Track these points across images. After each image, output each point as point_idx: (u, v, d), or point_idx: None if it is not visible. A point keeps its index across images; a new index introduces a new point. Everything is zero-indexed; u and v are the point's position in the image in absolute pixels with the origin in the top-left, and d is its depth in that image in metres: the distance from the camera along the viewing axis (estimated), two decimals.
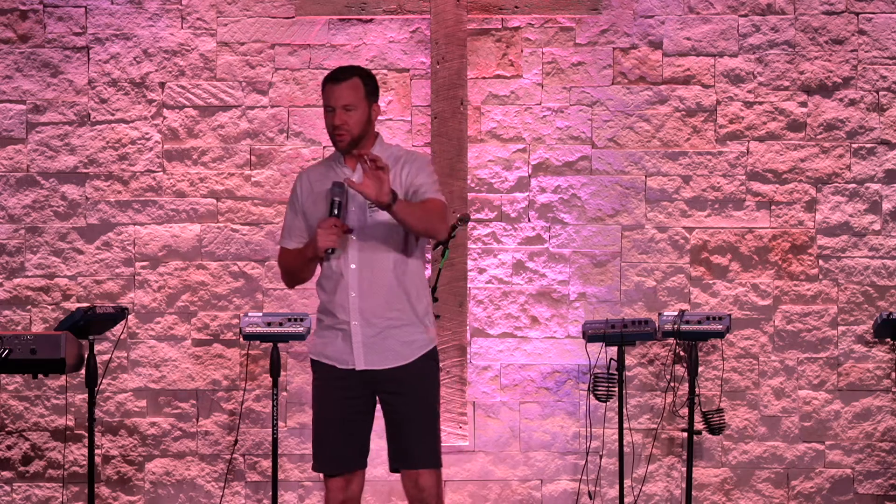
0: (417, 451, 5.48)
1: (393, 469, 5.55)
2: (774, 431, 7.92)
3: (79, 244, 7.93)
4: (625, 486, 7.60)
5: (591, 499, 7.83)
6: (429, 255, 7.63)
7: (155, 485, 7.90)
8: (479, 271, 7.91)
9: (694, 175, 7.96)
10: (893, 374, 7.92)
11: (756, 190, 7.95)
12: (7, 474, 7.90)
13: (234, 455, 7.87)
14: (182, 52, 7.94)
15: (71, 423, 7.89)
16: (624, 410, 7.57)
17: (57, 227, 7.93)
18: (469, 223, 7.65)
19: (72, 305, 7.84)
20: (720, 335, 7.48)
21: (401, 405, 5.48)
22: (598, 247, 7.94)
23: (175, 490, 7.91)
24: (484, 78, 7.94)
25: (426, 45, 7.88)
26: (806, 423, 7.92)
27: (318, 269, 5.60)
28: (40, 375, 7.15)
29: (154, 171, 7.95)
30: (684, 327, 7.40)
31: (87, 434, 7.41)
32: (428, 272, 7.58)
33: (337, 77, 5.49)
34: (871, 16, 7.96)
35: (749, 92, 7.96)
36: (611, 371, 7.50)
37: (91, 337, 7.12)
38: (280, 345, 7.48)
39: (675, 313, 7.44)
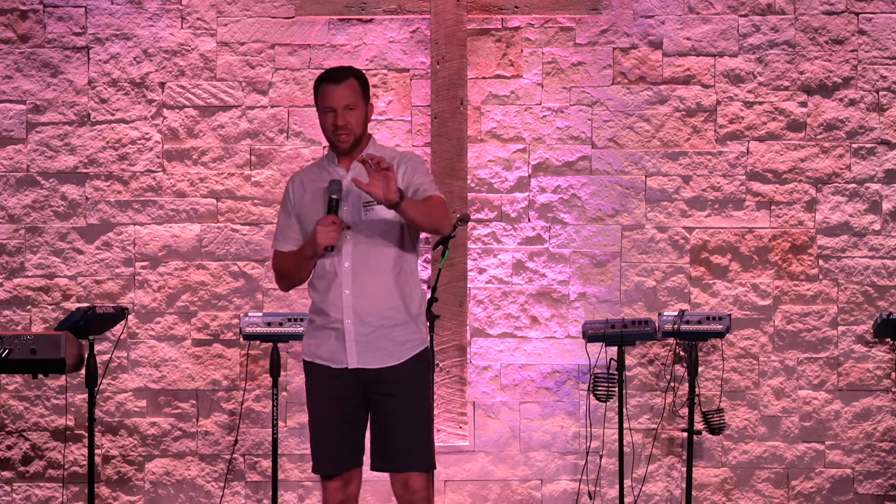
0: (409, 453, 5.48)
1: (374, 468, 5.54)
2: (774, 431, 7.92)
3: (79, 244, 7.93)
4: (625, 486, 7.61)
5: (591, 499, 7.83)
6: (428, 255, 7.63)
7: (155, 485, 7.91)
8: (479, 271, 7.92)
9: (694, 175, 7.96)
10: (893, 374, 7.92)
11: (756, 190, 7.95)
12: (7, 474, 7.90)
13: (234, 455, 7.88)
14: (182, 52, 7.94)
15: (71, 423, 7.89)
16: (624, 410, 7.57)
17: (57, 227, 7.93)
18: (469, 223, 7.65)
19: (72, 305, 7.84)
20: (720, 335, 7.48)
21: (392, 406, 5.48)
22: (598, 247, 7.94)
23: (175, 490, 7.91)
24: (484, 78, 7.94)
25: (426, 45, 7.89)
26: (806, 423, 7.92)
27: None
28: (40, 375, 7.15)
29: (154, 171, 7.95)
30: (684, 327, 7.40)
31: (87, 434, 7.41)
32: (428, 272, 7.59)
33: (335, 78, 5.49)
34: (871, 16, 7.96)
35: (749, 92, 7.96)
36: (611, 371, 7.50)
37: (91, 337, 7.12)
38: (280, 345, 7.49)
39: (675, 313, 7.44)
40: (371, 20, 7.92)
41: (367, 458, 5.58)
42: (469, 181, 7.85)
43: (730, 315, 7.51)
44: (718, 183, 7.96)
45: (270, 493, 7.54)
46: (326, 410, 5.52)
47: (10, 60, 7.93)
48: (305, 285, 5.63)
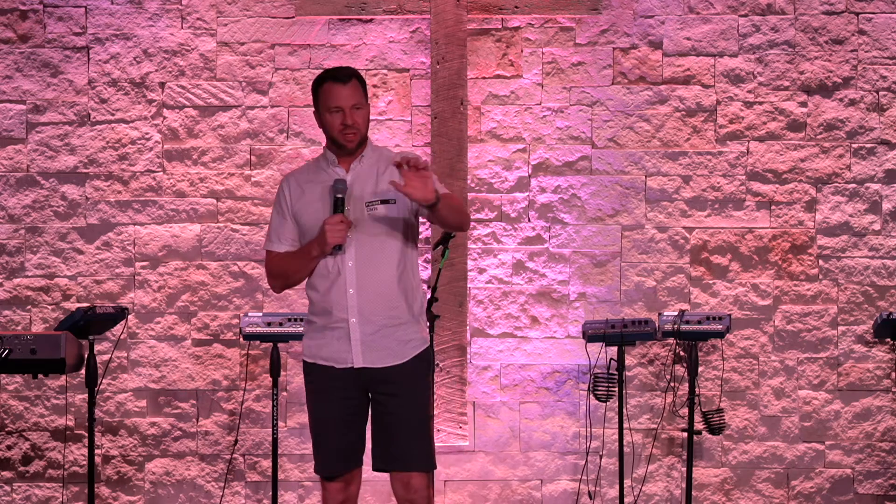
0: (410, 453, 5.48)
1: (376, 468, 5.54)
2: (774, 431, 7.92)
3: (79, 244, 7.93)
4: (625, 486, 7.61)
5: (591, 499, 7.83)
6: (428, 255, 7.63)
7: (155, 485, 7.91)
8: (479, 271, 7.91)
9: (694, 175, 7.96)
10: (893, 374, 7.92)
11: (756, 190, 7.95)
12: (7, 474, 7.90)
13: (234, 455, 7.88)
14: (182, 52, 7.94)
15: (71, 423, 7.89)
16: (624, 410, 7.57)
17: (57, 227, 7.93)
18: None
19: (72, 305, 7.84)
20: (720, 335, 7.48)
21: (395, 406, 5.48)
22: (598, 247, 7.94)
23: (175, 490, 7.91)
24: (484, 78, 7.94)
25: (426, 45, 7.89)
26: (806, 423, 7.92)
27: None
28: (40, 375, 7.15)
29: (154, 171, 7.95)
30: (684, 327, 7.40)
31: (87, 434, 7.41)
32: (428, 272, 7.59)
33: (341, 78, 5.49)
34: (871, 16, 7.96)
35: (749, 92, 7.96)
36: (611, 371, 7.50)
37: (91, 337, 7.12)
38: (280, 345, 7.49)
39: (675, 313, 7.44)
40: (371, 20, 7.92)
41: (367, 459, 5.58)
42: (469, 181, 7.85)
43: (730, 315, 7.51)
44: (718, 183, 7.96)
45: (270, 493, 7.54)
46: (329, 411, 5.51)
47: (10, 60, 7.93)
48: (302, 285, 5.63)
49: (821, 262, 7.94)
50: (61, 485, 7.87)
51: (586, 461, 7.82)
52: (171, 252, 7.93)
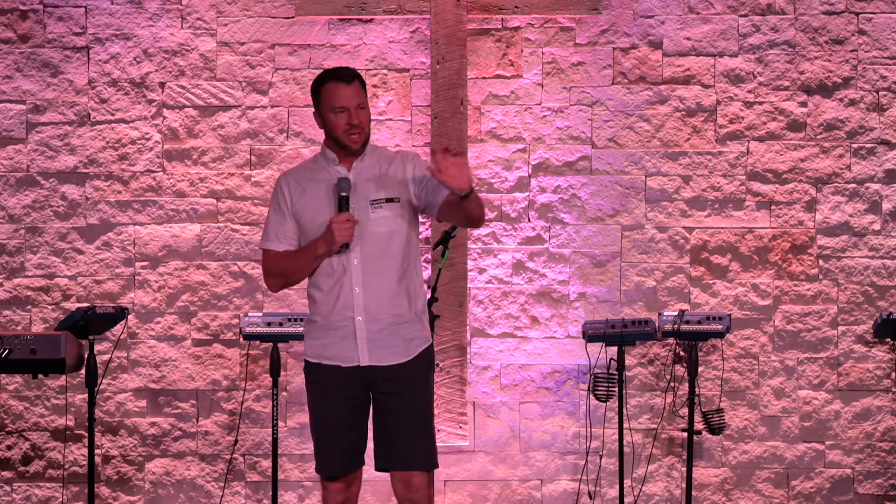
0: (412, 452, 5.47)
1: (379, 468, 5.54)
2: (774, 431, 7.92)
3: (79, 244, 7.93)
4: (625, 486, 7.61)
5: (591, 499, 7.83)
6: (429, 255, 7.63)
7: (155, 485, 7.91)
8: (479, 271, 7.91)
9: (694, 175, 7.96)
10: (893, 374, 7.92)
11: (756, 190, 7.95)
12: (7, 474, 7.90)
13: (234, 455, 7.88)
14: (182, 52, 7.94)
15: (71, 423, 7.89)
16: (624, 410, 7.57)
17: (57, 227, 7.93)
18: None
19: (72, 305, 7.84)
20: (720, 335, 7.48)
21: (398, 405, 5.47)
22: (598, 247, 7.94)
23: (175, 490, 7.91)
24: (484, 78, 7.94)
25: (426, 45, 7.89)
26: (806, 423, 7.92)
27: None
28: (40, 375, 7.15)
29: (154, 171, 7.95)
30: (684, 327, 7.40)
31: (87, 434, 7.41)
32: (428, 272, 7.59)
33: (345, 78, 5.48)
34: (871, 16, 7.96)
35: (749, 92, 7.96)
36: (611, 371, 7.50)
37: (91, 337, 7.12)
38: (280, 345, 7.48)
39: (675, 313, 7.44)
40: (371, 20, 7.92)
41: (369, 459, 5.58)
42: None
43: (730, 315, 7.51)
44: (718, 183, 7.96)
45: (270, 493, 7.54)
46: (333, 411, 5.50)
47: (10, 60, 7.93)
48: (301, 285, 5.63)
49: (821, 262, 7.94)
50: (61, 485, 7.87)
51: (586, 461, 7.82)
52: (171, 252, 7.93)
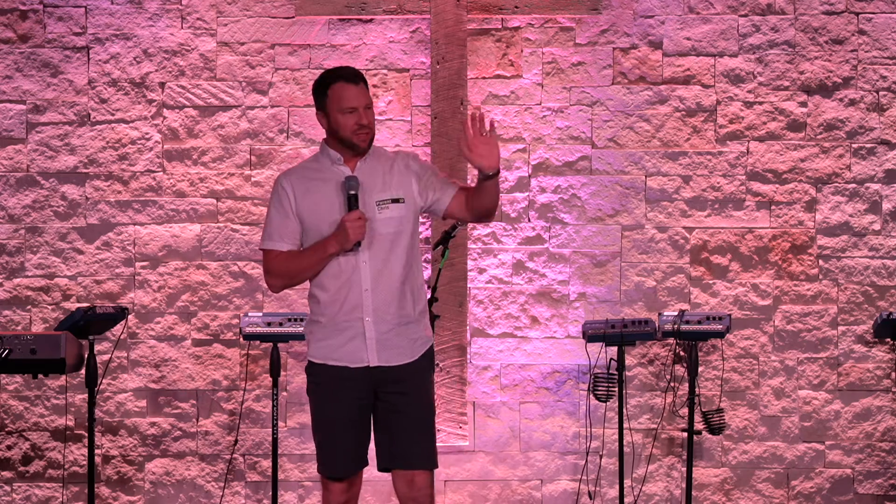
0: (416, 450, 5.47)
1: (381, 468, 5.54)
2: (774, 431, 7.92)
3: (79, 244, 7.93)
4: (625, 486, 7.61)
5: (591, 499, 7.83)
6: (429, 255, 7.63)
7: (155, 485, 7.91)
8: (479, 271, 7.91)
9: (694, 175, 7.96)
10: (893, 374, 7.92)
11: (756, 190, 7.95)
12: (7, 474, 7.90)
13: (234, 455, 7.88)
14: (182, 52, 7.94)
15: (71, 423, 7.89)
16: (624, 410, 7.57)
17: (57, 227, 7.93)
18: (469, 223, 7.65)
19: (72, 305, 7.84)
20: (720, 335, 7.48)
21: (404, 404, 5.47)
22: (598, 247, 7.94)
23: (175, 490, 7.91)
24: (484, 78, 7.94)
25: (426, 45, 7.88)
26: (806, 423, 7.92)
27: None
28: (40, 375, 7.15)
29: (154, 171, 7.95)
30: (684, 327, 7.40)
31: (87, 434, 7.41)
32: (428, 272, 7.59)
33: (352, 78, 5.48)
34: (871, 16, 7.96)
35: (749, 92, 7.96)
36: (611, 371, 7.50)
37: (91, 337, 7.12)
38: (280, 345, 7.48)
39: (675, 313, 7.44)
40: (371, 20, 7.92)
41: (371, 459, 5.57)
42: (469, 181, 7.85)
43: (730, 315, 7.51)
44: (718, 183, 7.96)
45: (270, 493, 7.54)
46: (339, 412, 5.47)
47: (10, 60, 7.93)
48: (303, 285, 5.62)
49: (821, 262, 7.94)
50: (61, 485, 7.87)
51: (586, 461, 7.82)
52: (171, 252, 7.93)
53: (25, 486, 7.90)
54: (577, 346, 7.83)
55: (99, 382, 7.20)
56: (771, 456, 7.92)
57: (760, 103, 7.96)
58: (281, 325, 7.34)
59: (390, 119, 7.91)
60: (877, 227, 7.94)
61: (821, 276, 7.94)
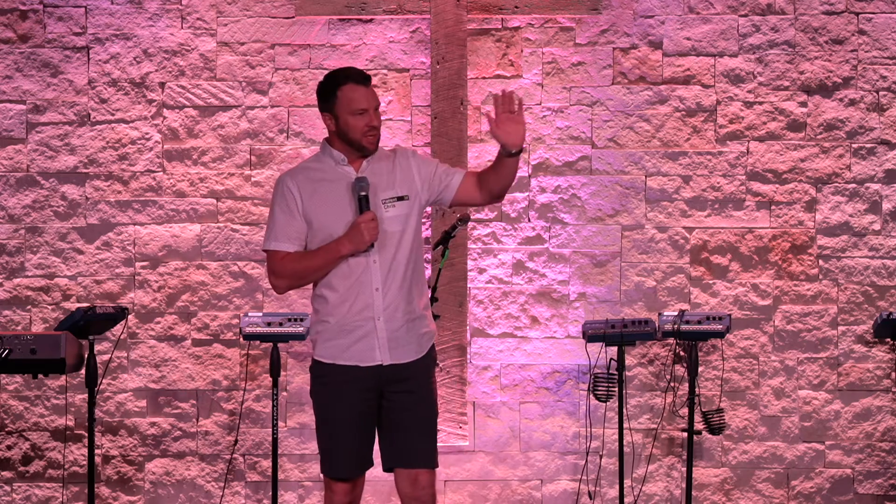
0: (421, 449, 5.47)
1: (387, 469, 5.53)
2: (774, 431, 7.92)
3: (79, 244, 7.93)
4: (625, 486, 7.61)
5: (591, 499, 7.83)
6: (429, 255, 7.63)
7: (155, 485, 7.91)
8: (479, 271, 7.91)
9: (694, 175, 7.96)
10: (893, 374, 7.92)
11: (756, 190, 7.95)
12: (7, 474, 7.90)
13: (234, 455, 7.88)
14: (182, 52, 7.94)
15: (71, 423, 7.89)
16: (624, 410, 7.57)
17: (57, 227, 7.93)
18: (469, 223, 7.65)
19: (72, 305, 7.84)
20: (720, 335, 7.48)
21: (411, 403, 5.46)
22: (598, 247, 7.94)
23: (175, 490, 7.91)
24: (484, 78, 7.94)
25: (426, 45, 7.89)
26: (806, 423, 7.92)
27: None
28: (40, 375, 7.15)
29: (154, 171, 7.95)
30: (684, 327, 7.40)
31: (87, 434, 7.41)
32: (428, 272, 7.59)
33: (363, 80, 5.49)
34: (871, 16, 7.96)
35: (749, 92, 7.96)
36: (611, 371, 7.50)
37: (91, 337, 7.12)
38: (280, 345, 7.48)
39: (675, 313, 7.44)
40: (371, 20, 7.92)
41: (376, 460, 5.56)
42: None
43: (730, 315, 7.51)
44: (718, 183, 7.96)
45: (270, 493, 7.54)
46: (348, 413, 5.46)
47: (10, 60, 7.93)
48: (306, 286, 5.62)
49: (821, 262, 7.94)
50: (61, 485, 7.87)
51: (586, 461, 7.82)
52: (171, 252, 7.93)
53: (25, 486, 7.90)
54: (577, 346, 7.83)
55: (99, 382, 7.19)
56: (771, 456, 7.92)
57: (760, 103, 7.96)
58: (281, 325, 7.34)
59: (390, 119, 7.91)
60: (877, 227, 7.94)
61: (821, 276, 7.94)
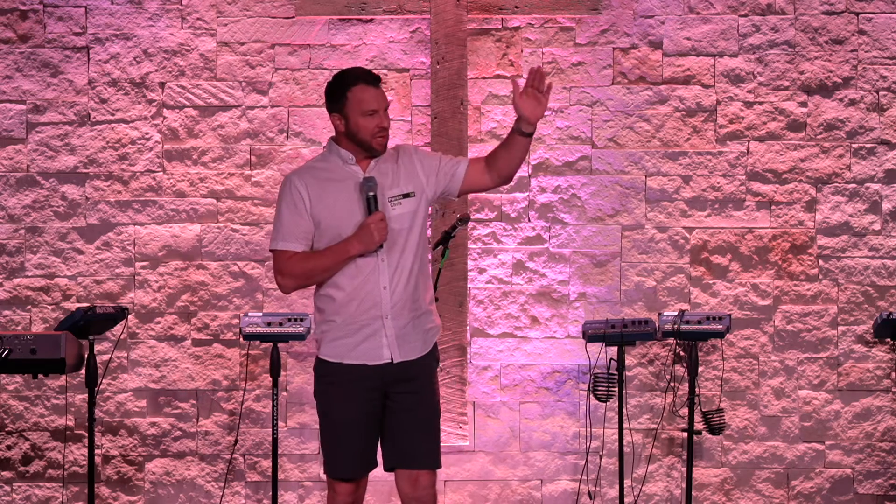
0: (422, 450, 5.47)
1: (389, 468, 5.53)
2: (774, 431, 7.92)
3: (79, 244, 7.93)
4: (625, 486, 7.61)
5: (591, 499, 7.83)
6: (429, 255, 7.63)
7: (155, 485, 7.91)
8: (479, 271, 7.92)
9: (694, 175, 7.96)
10: (893, 374, 7.92)
11: (756, 190, 7.95)
12: (7, 474, 7.90)
13: (234, 455, 7.88)
14: (182, 52, 7.94)
15: (71, 423, 7.89)
16: (624, 410, 7.57)
17: (57, 227, 7.93)
18: (469, 223, 7.66)
19: (72, 305, 7.84)
20: (720, 335, 7.48)
21: (415, 403, 5.46)
22: (598, 247, 7.94)
23: (175, 490, 7.91)
24: (484, 78, 7.94)
25: (426, 45, 7.89)
26: (806, 423, 7.92)
27: None
28: (40, 375, 7.15)
29: (154, 171, 7.95)
30: (684, 327, 7.40)
31: (87, 434, 7.41)
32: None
33: (373, 80, 5.49)
34: (871, 16, 7.96)
35: (749, 92, 7.96)
36: (611, 371, 7.50)
37: (91, 337, 7.12)
38: (280, 345, 7.48)
39: (675, 313, 7.44)
40: (371, 20, 7.92)
41: (380, 461, 5.56)
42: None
43: (730, 315, 7.51)
44: (718, 183, 7.96)
45: (270, 493, 7.54)
46: (354, 412, 5.45)
47: (10, 60, 7.93)
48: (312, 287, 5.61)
49: (821, 262, 7.95)
50: (61, 485, 7.87)
51: (586, 461, 7.82)
52: (171, 252, 7.93)
53: (25, 486, 7.90)
54: (577, 346, 7.83)
55: (99, 382, 7.19)
56: (771, 456, 7.92)
57: (760, 103, 7.96)
58: (281, 325, 7.34)
59: (390, 119, 7.90)
60: (877, 227, 7.94)
61: (821, 276, 7.94)
